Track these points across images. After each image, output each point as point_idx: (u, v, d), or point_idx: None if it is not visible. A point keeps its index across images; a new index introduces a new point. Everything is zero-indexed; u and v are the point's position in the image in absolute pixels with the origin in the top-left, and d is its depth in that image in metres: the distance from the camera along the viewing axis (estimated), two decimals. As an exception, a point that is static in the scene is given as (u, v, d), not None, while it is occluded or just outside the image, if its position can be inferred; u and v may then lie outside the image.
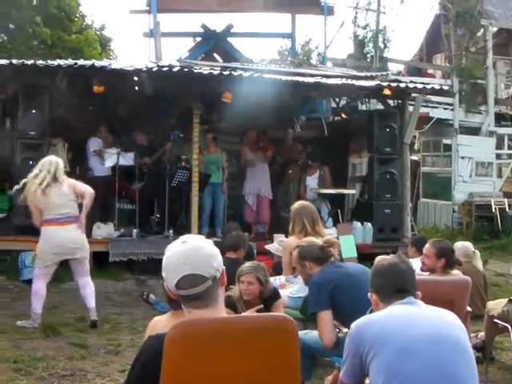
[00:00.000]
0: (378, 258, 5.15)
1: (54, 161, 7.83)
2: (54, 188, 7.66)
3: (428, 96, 14.49)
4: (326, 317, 5.03)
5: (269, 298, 5.52)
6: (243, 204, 12.90)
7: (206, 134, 12.46)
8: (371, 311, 3.50)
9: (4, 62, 10.65)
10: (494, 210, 15.89)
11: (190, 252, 2.61)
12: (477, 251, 8.33)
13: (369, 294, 3.48)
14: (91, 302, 7.98)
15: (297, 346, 2.66)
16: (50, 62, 10.90)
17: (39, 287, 7.81)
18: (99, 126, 12.25)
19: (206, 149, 12.38)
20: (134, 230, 11.54)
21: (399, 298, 3.31)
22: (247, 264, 5.67)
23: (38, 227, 7.85)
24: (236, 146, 13.59)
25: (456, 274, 5.98)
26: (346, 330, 4.95)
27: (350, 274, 5.19)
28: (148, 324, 3.08)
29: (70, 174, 11.74)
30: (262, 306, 5.31)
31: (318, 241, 5.61)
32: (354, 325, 3.30)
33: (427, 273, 5.93)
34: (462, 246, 7.94)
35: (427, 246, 6.06)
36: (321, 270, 5.28)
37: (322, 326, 5.05)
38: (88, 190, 7.89)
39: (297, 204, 7.28)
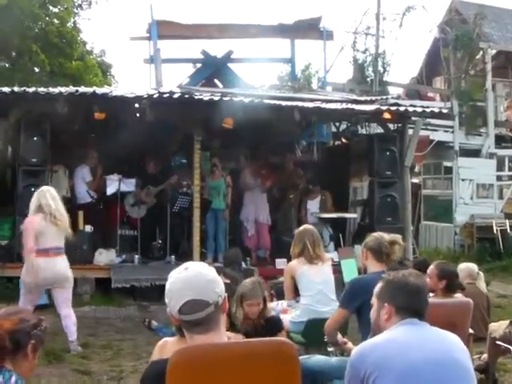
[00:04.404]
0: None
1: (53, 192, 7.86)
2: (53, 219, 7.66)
3: (428, 119, 14.54)
4: (343, 314, 5.29)
5: (271, 328, 5.51)
6: (242, 229, 12.94)
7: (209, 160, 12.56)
8: (372, 335, 3.47)
9: (6, 89, 10.70)
10: (495, 232, 15.88)
11: (193, 278, 2.65)
12: (481, 273, 8.33)
13: (385, 304, 3.33)
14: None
15: (297, 369, 2.68)
16: (51, 89, 10.97)
17: None
18: (89, 152, 12.18)
19: (209, 175, 12.44)
20: (136, 256, 11.55)
21: (412, 318, 3.25)
22: (248, 285, 5.66)
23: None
24: (236, 171, 13.65)
25: (458, 296, 5.97)
26: (350, 345, 5.00)
27: None
28: (153, 348, 3.09)
29: (69, 200, 11.94)
30: None
31: (386, 237, 5.62)
32: (354, 350, 3.28)
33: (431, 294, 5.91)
34: (467, 267, 7.96)
35: (431, 266, 6.06)
36: (369, 275, 5.36)
37: (335, 317, 5.33)
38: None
39: (301, 227, 7.29)
